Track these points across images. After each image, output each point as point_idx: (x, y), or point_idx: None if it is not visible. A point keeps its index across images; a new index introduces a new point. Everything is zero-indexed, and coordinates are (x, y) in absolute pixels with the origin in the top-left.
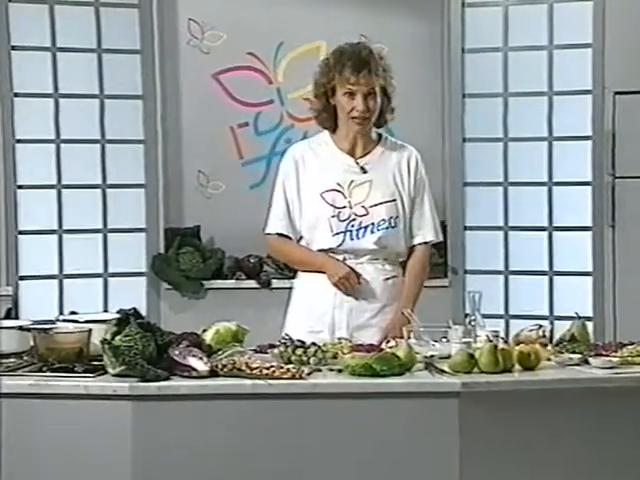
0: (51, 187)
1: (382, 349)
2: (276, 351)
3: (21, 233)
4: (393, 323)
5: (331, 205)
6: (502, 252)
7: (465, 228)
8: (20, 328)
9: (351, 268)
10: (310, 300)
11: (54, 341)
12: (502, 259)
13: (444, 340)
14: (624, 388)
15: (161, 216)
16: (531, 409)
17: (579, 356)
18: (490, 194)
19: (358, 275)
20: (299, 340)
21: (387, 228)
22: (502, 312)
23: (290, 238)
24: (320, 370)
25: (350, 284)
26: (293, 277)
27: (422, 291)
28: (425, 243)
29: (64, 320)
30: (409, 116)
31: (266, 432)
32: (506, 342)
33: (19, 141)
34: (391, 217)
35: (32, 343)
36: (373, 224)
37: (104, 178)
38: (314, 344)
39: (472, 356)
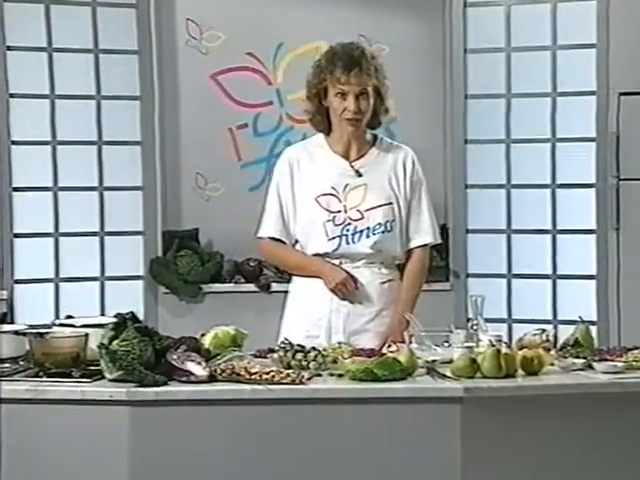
0: (47, 189)
1: (383, 354)
2: (276, 356)
3: (16, 236)
4: (393, 327)
5: (326, 209)
6: (505, 255)
7: (467, 231)
8: (16, 333)
9: (347, 272)
10: (306, 304)
11: (50, 346)
12: (505, 262)
13: (446, 345)
14: (629, 393)
15: (159, 219)
16: (534, 415)
17: (583, 361)
18: (492, 196)
19: (355, 280)
20: (299, 345)
21: (383, 232)
22: (505, 316)
23: (284, 242)
24: (320, 375)
25: (347, 290)
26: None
27: (421, 294)
28: (423, 246)
29: (60, 324)
30: (410, 117)
31: (266, 438)
32: (509, 347)
33: (15, 142)
34: (387, 221)
35: (28, 348)
36: (369, 228)
37: (101, 180)
38: (314, 349)
39: (474, 361)
